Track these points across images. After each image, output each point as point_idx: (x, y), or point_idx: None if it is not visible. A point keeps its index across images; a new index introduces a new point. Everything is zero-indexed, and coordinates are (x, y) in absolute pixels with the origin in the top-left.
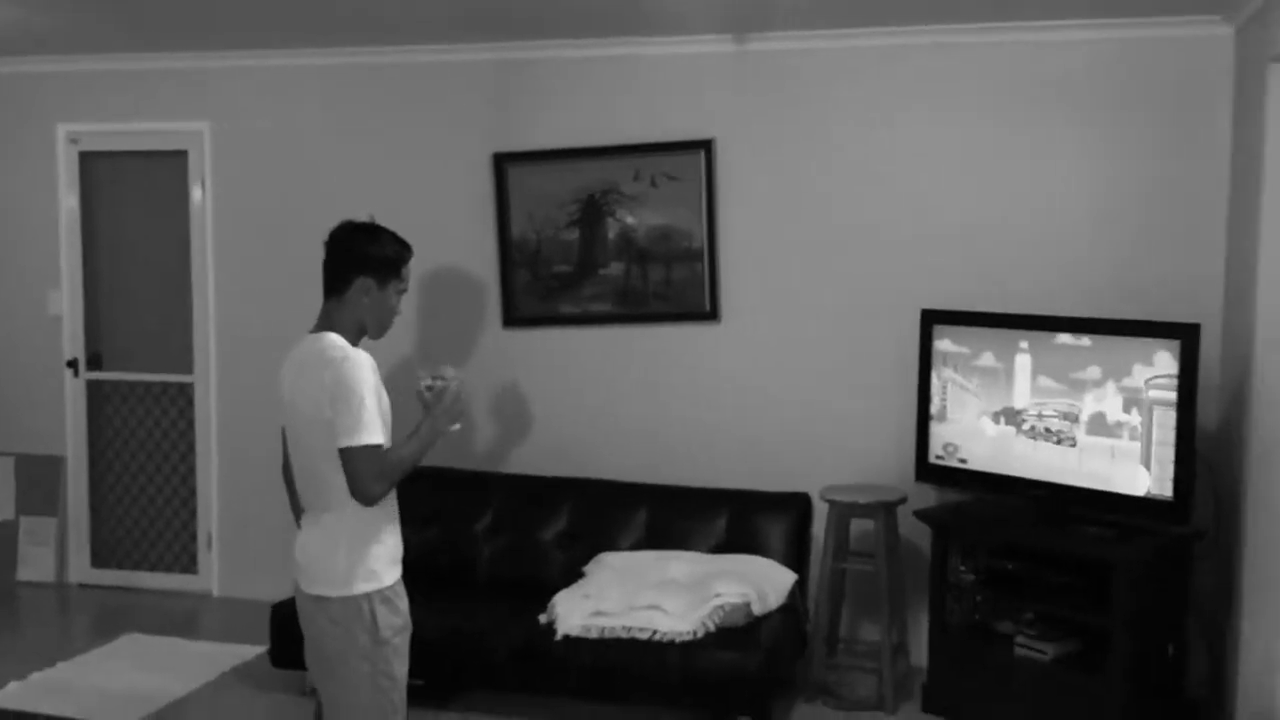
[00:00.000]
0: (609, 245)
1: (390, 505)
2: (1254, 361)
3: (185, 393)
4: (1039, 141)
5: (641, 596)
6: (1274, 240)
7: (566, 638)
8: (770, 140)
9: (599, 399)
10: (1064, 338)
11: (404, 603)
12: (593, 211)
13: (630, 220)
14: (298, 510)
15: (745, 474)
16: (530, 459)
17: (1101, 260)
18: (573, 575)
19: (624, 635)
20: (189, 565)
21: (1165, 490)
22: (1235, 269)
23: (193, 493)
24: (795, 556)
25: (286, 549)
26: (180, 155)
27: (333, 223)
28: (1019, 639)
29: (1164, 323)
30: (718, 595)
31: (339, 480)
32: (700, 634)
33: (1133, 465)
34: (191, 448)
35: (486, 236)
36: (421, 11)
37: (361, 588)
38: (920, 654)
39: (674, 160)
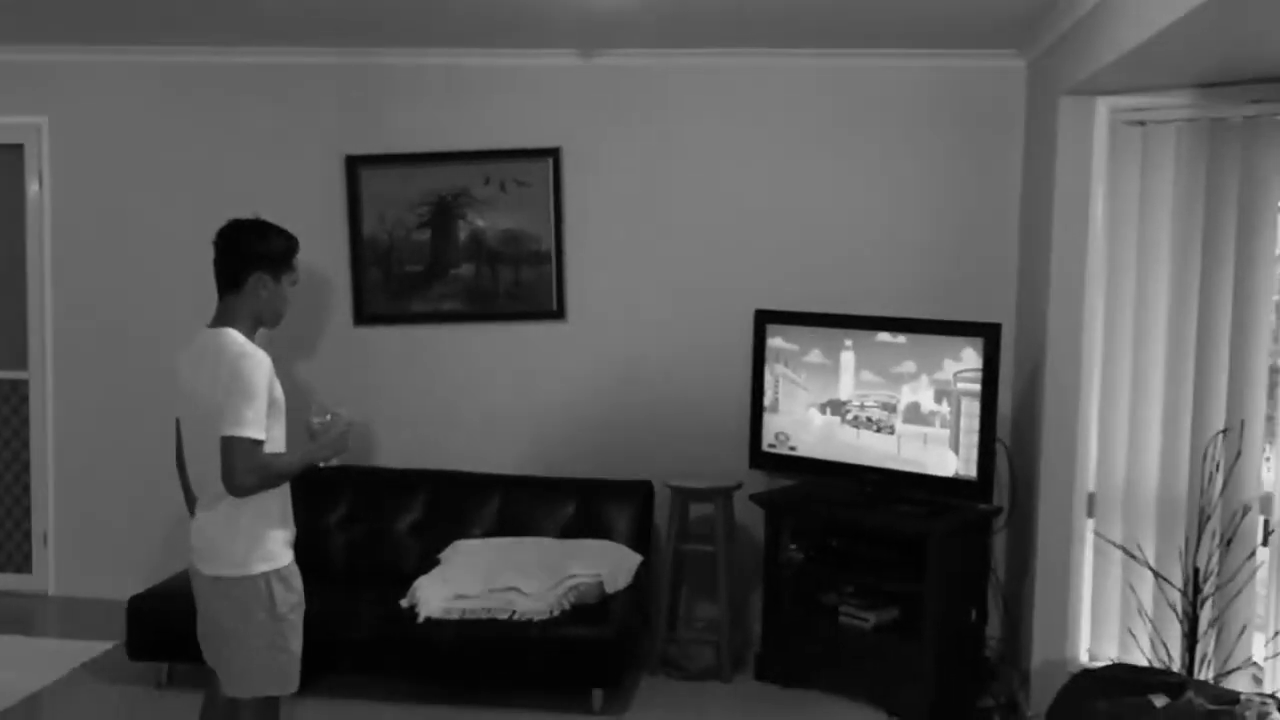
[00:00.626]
0: (460, 246)
1: (284, 491)
2: (1046, 357)
3: (19, 390)
4: (856, 158)
5: (500, 579)
6: (1063, 253)
7: (429, 620)
8: (615, 150)
9: (450, 394)
10: (883, 336)
11: (298, 580)
12: (444, 214)
13: (481, 223)
14: (191, 498)
15: (591, 464)
16: (382, 452)
17: (912, 266)
18: (428, 563)
19: (484, 616)
20: (23, 564)
21: (971, 471)
22: (1028, 276)
23: (26, 490)
24: (639, 540)
25: (127, 546)
26: (16, 149)
27: (180, 220)
28: (843, 609)
29: (970, 323)
30: (572, 575)
31: None
32: (556, 612)
33: (943, 449)
34: (26, 445)
35: (338, 236)
36: (271, 14)
37: (259, 568)
38: (755, 627)
39: (523, 166)
